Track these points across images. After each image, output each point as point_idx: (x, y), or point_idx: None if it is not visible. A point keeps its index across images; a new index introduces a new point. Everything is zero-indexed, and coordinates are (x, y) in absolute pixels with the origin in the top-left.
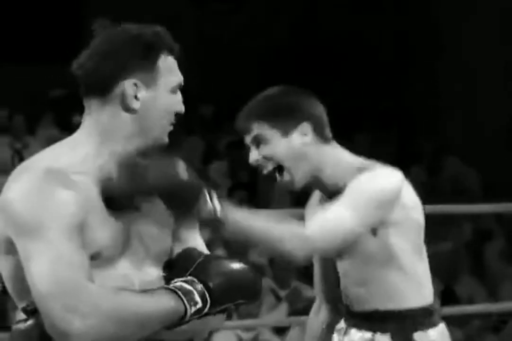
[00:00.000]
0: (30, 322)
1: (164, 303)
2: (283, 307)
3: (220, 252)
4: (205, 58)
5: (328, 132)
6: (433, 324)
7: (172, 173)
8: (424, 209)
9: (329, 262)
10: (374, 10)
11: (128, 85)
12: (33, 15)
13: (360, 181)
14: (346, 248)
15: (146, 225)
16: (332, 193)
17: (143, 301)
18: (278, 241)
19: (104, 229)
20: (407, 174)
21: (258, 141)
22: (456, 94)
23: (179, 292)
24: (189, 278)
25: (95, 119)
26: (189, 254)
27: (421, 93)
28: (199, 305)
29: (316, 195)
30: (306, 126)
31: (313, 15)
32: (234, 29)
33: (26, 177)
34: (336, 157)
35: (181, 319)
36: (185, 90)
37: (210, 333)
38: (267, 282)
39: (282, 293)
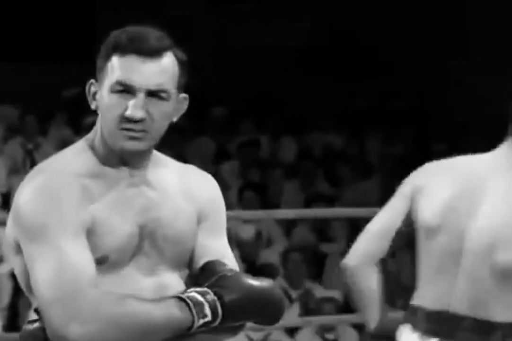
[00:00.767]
0: (38, 323)
1: (171, 312)
2: (295, 308)
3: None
4: (218, 60)
5: None
6: None
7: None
8: None
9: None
10: (390, 10)
11: (88, 86)
12: (45, 14)
13: None
14: None
15: (162, 228)
16: None
17: (148, 308)
18: None
19: (111, 234)
20: None
21: None
22: (471, 92)
23: (190, 303)
24: (204, 289)
25: (97, 122)
26: (213, 266)
27: (435, 92)
28: (208, 318)
29: None
30: None
31: (332, 16)
32: (251, 30)
33: (35, 180)
34: None
35: (188, 330)
36: (197, 91)
37: None
38: (279, 282)
39: (294, 294)
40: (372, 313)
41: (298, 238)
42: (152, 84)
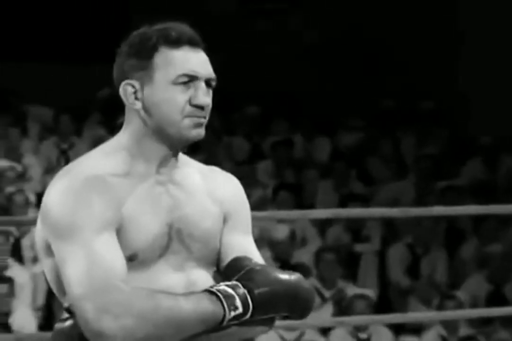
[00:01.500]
0: (70, 321)
1: (202, 306)
2: (328, 307)
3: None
4: (252, 59)
5: None
6: None
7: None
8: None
9: None
10: (426, 11)
11: (127, 87)
12: (80, 15)
13: None
14: None
15: (189, 226)
16: None
17: (179, 303)
18: None
19: (141, 232)
20: (462, 171)
21: None
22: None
23: (220, 296)
24: (234, 282)
25: (126, 123)
26: (241, 261)
27: (475, 87)
28: (239, 310)
29: None
30: None
31: (367, 16)
32: (284, 29)
33: (64, 181)
34: None
35: (220, 323)
36: (231, 90)
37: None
38: (312, 282)
39: (327, 293)
40: None
41: (332, 237)
42: (209, 73)
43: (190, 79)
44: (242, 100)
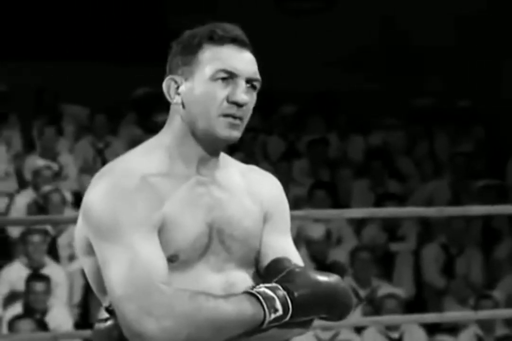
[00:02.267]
0: (110, 321)
1: (243, 308)
2: (361, 307)
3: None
4: (288, 58)
5: None
6: None
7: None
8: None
9: None
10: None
11: (170, 82)
12: (117, 15)
13: None
14: None
15: (229, 227)
16: None
17: (220, 305)
18: None
19: (182, 232)
20: (503, 171)
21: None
22: None
23: (261, 298)
24: (274, 284)
25: (168, 122)
26: (280, 262)
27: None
28: (279, 312)
29: None
30: None
31: (404, 11)
32: (320, 28)
33: (106, 180)
34: None
35: (260, 325)
36: (267, 90)
37: None
38: (347, 281)
39: (363, 293)
40: None
41: (368, 237)
42: (252, 72)
43: (229, 75)
44: (279, 99)
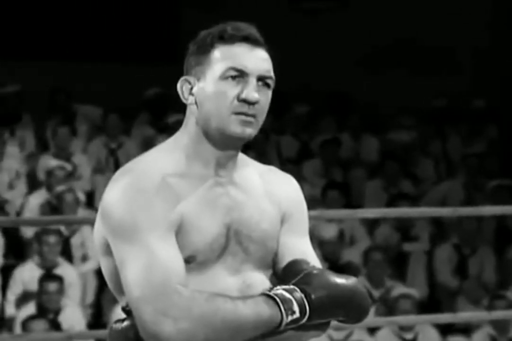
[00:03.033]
0: (127, 322)
1: (260, 310)
2: (376, 307)
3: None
4: (301, 57)
5: None
6: None
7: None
8: None
9: None
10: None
11: (184, 83)
12: (129, 15)
13: None
14: None
15: (247, 227)
16: None
17: (238, 307)
18: None
19: (200, 233)
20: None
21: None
22: None
23: (278, 300)
24: (291, 286)
25: (184, 123)
26: (298, 264)
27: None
28: (296, 314)
29: None
30: None
31: (419, 14)
32: (334, 28)
33: (124, 180)
34: None
35: (277, 327)
36: (280, 89)
37: None
38: (360, 281)
39: (376, 293)
40: None
41: (381, 237)
42: (263, 70)
43: (240, 74)
44: (292, 99)
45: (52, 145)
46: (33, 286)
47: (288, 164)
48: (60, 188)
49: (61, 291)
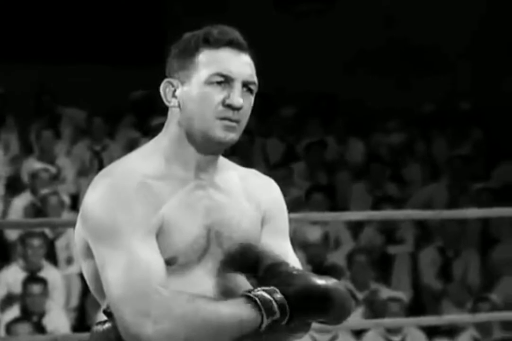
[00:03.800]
0: (108, 324)
1: (241, 311)
2: (360, 309)
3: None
4: (284, 60)
5: None
6: None
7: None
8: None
9: None
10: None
11: (163, 85)
12: (114, 17)
13: None
14: None
15: (228, 229)
16: None
17: (218, 308)
18: None
19: (181, 234)
20: (493, 174)
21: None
22: None
23: (258, 301)
24: (271, 287)
25: (166, 125)
26: (278, 266)
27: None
28: (277, 315)
29: None
30: None
31: (404, 16)
32: (320, 30)
33: (103, 183)
34: None
35: (258, 328)
36: (266, 91)
37: None
38: (345, 284)
39: (360, 295)
40: None
41: (365, 239)
42: (247, 75)
43: (225, 79)
44: (278, 101)
45: (36, 148)
46: (17, 289)
47: (274, 167)
48: (44, 191)
49: (45, 293)
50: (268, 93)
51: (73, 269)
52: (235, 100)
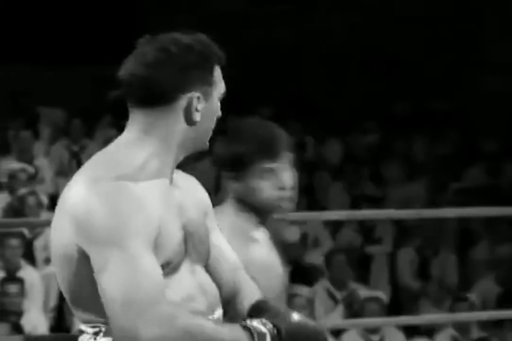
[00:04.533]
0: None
1: (238, 334)
2: (339, 309)
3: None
4: (263, 60)
5: None
6: None
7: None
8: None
9: None
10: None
11: (193, 99)
12: (92, 17)
13: None
14: None
15: (196, 227)
16: None
17: (217, 327)
18: None
19: (171, 238)
20: (465, 175)
21: None
22: None
23: (254, 332)
24: (264, 320)
25: (150, 127)
26: (263, 304)
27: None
28: None
29: None
30: None
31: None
32: (296, 30)
33: (99, 188)
34: None
35: None
36: (243, 92)
37: None
38: (323, 284)
39: (339, 295)
40: None
41: (343, 239)
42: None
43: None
44: (255, 102)
45: (14, 148)
46: None
47: None
48: (22, 191)
49: (22, 293)
50: (246, 94)
51: (51, 269)
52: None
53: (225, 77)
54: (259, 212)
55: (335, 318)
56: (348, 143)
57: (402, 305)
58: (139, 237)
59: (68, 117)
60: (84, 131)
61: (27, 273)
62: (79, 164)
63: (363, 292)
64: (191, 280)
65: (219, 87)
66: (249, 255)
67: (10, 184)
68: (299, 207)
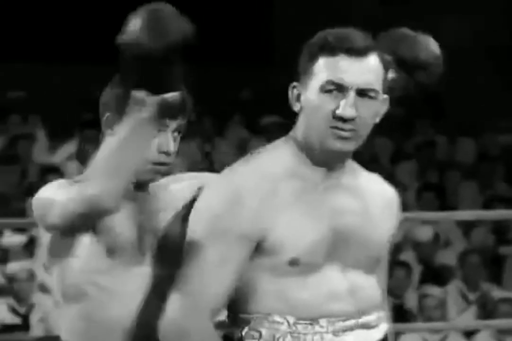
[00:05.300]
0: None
1: None
2: (472, 310)
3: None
4: None
5: None
6: None
7: None
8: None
9: None
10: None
11: (291, 89)
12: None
13: None
14: None
15: (353, 233)
16: None
17: None
18: None
19: (302, 236)
20: None
21: None
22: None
23: None
24: None
25: (295, 126)
26: None
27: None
28: None
29: None
30: None
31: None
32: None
33: (223, 181)
34: None
35: None
36: None
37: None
38: (456, 284)
39: (471, 296)
40: None
41: (476, 239)
42: (362, 83)
43: (337, 87)
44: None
45: None
46: None
47: (383, 167)
48: None
49: None
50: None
51: None
52: (344, 111)
53: None
54: None
55: (468, 318)
56: (480, 142)
57: None
58: (233, 236)
59: (199, 116)
60: (216, 131)
61: None
62: (211, 163)
63: (496, 293)
64: (338, 281)
65: (318, 77)
66: None
67: None
68: (431, 207)
